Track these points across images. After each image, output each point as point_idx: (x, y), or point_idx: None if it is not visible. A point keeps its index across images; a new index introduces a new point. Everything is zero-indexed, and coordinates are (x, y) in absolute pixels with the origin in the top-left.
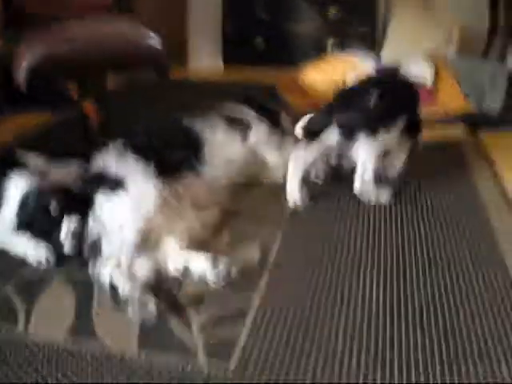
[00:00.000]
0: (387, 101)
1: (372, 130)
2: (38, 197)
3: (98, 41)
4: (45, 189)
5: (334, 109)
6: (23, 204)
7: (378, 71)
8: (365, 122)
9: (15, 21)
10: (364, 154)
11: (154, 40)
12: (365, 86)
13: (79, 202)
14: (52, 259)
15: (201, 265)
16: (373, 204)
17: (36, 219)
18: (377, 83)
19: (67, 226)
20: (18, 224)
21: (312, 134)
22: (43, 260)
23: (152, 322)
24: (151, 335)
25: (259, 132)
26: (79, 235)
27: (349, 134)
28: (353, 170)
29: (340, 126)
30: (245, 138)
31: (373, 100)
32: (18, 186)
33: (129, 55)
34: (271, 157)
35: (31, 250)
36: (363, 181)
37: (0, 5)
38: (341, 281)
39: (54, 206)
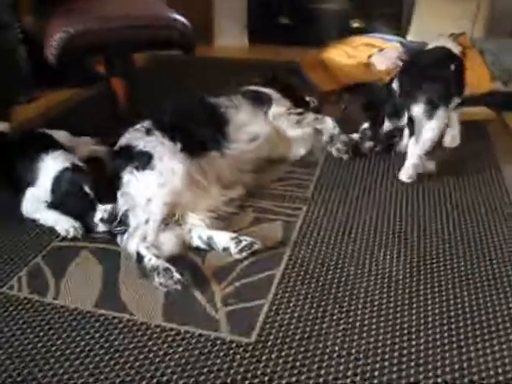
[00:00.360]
0: (459, 72)
1: (449, 100)
2: (72, 178)
3: (127, 20)
4: (78, 169)
5: (416, 81)
6: (57, 183)
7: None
8: (445, 93)
9: None
10: (434, 123)
11: (180, 20)
12: (435, 58)
13: (110, 180)
14: (80, 231)
15: (224, 240)
16: (421, 172)
17: (69, 199)
18: (448, 57)
19: (101, 212)
20: (53, 202)
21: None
22: (71, 231)
23: (176, 291)
24: (175, 305)
25: (281, 109)
26: (112, 217)
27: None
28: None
29: (428, 98)
30: (267, 114)
31: (451, 72)
32: (51, 164)
33: (156, 35)
34: (293, 133)
35: (61, 222)
36: (423, 149)
37: None
38: (362, 257)
39: (87, 188)
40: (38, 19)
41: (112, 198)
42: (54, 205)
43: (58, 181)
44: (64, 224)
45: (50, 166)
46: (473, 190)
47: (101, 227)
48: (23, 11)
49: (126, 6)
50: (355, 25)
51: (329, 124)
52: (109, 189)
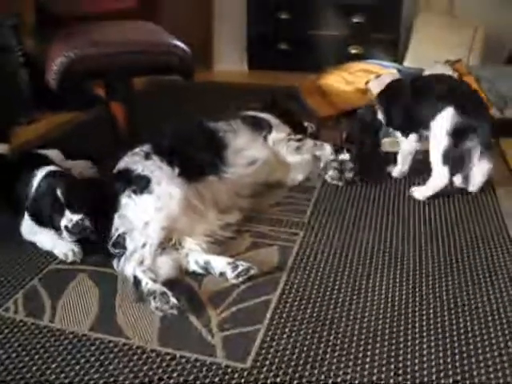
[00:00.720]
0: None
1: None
2: (48, 181)
3: (127, 46)
4: (58, 174)
5: (450, 96)
6: (36, 188)
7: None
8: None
9: (44, 21)
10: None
11: (180, 46)
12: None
13: (103, 199)
14: (79, 255)
15: (221, 265)
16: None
17: (42, 202)
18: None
19: (67, 220)
20: (28, 206)
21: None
22: (70, 255)
23: (173, 315)
24: (171, 329)
25: (280, 135)
26: (77, 229)
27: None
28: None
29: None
30: (266, 139)
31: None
32: (38, 174)
33: (155, 61)
34: (292, 159)
35: (59, 245)
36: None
37: (32, 6)
38: (358, 282)
39: (59, 192)
40: (39, 42)
41: (100, 214)
42: (29, 210)
43: (38, 186)
44: (62, 248)
45: (38, 176)
46: (469, 215)
47: (65, 234)
48: (25, 34)
49: (126, 31)
50: (353, 51)
51: (327, 151)
52: (101, 206)
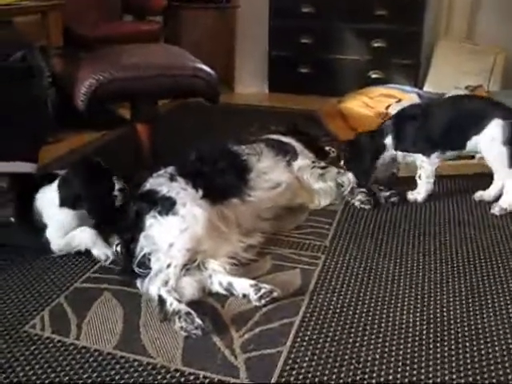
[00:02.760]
0: None
1: None
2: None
3: (154, 69)
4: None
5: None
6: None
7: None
8: None
9: (70, 42)
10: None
11: (206, 70)
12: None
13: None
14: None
15: (244, 287)
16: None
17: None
18: None
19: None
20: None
21: None
22: (109, 253)
23: (197, 335)
24: (195, 350)
25: (305, 161)
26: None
27: None
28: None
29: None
30: (290, 164)
31: None
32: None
33: (182, 84)
34: (316, 185)
35: (98, 244)
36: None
37: (59, 28)
38: (379, 308)
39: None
40: (65, 63)
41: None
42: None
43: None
44: (102, 248)
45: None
46: (489, 241)
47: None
48: (51, 55)
49: (153, 54)
50: (374, 75)
51: (350, 177)
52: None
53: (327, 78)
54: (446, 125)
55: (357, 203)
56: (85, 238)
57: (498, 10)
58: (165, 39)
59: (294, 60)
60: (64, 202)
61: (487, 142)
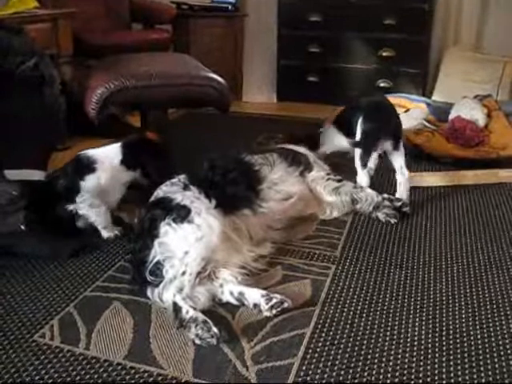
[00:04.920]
0: None
1: None
2: None
3: (165, 79)
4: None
5: None
6: None
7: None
8: None
9: (80, 50)
10: None
11: (217, 79)
12: None
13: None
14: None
15: (255, 297)
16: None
17: None
18: None
19: None
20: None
21: None
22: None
23: (208, 346)
24: (206, 361)
25: (320, 173)
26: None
27: None
28: None
29: None
30: (304, 175)
31: None
32: None
33: (193, 94)
34: (329, 199)
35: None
36: None
37: (70, 36)
38: (391, 320)
39: None
40: (75, 71)
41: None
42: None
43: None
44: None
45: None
46: (503, 253)
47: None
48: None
49: (164, 63)
50: (382, 84)
51: (371, 194)
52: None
53: (336, 86)
54: None
55: (382, 217)
56: (102, 214)
57: (506, 18)
58: (174, 48)
59: (302, 69)
60: (125, 162)
61: None
